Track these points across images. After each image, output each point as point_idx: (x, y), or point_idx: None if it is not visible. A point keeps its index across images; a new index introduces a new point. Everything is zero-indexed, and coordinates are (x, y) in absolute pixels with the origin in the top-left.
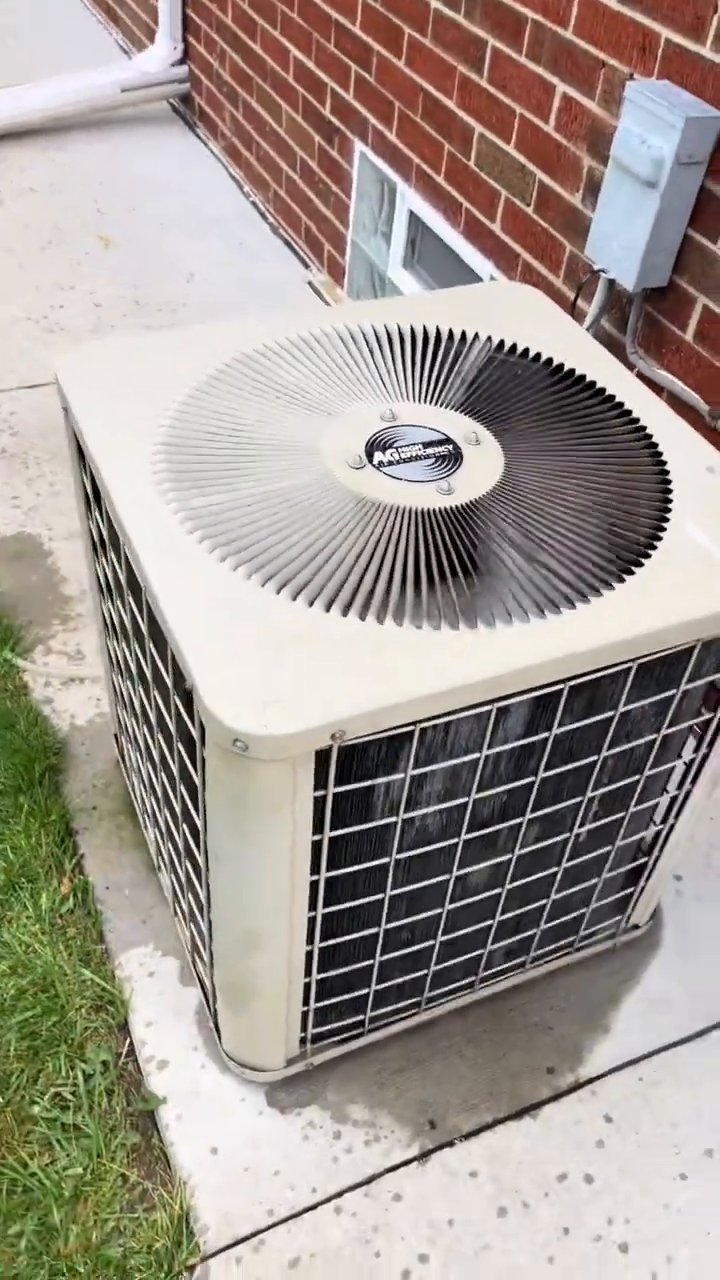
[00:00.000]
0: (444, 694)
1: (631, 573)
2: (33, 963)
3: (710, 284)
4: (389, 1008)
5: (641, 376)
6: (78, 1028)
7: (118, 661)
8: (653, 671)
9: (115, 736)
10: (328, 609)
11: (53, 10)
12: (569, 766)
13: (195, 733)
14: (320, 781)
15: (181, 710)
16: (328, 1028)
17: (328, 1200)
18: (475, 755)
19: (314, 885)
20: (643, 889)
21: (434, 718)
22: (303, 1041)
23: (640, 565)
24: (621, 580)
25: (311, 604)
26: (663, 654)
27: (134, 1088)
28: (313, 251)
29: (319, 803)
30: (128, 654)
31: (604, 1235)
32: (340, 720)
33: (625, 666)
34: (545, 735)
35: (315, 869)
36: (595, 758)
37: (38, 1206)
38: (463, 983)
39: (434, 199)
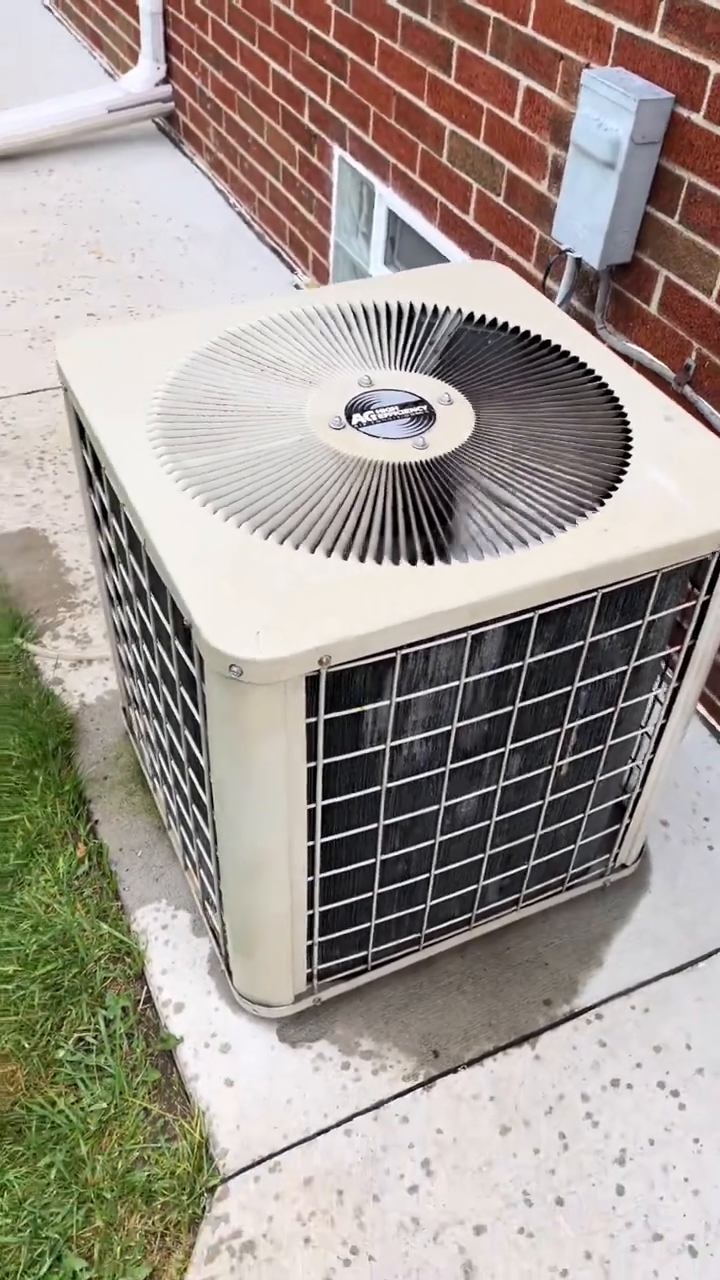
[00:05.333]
0: (421, 620)
1: (595, 510)
2: (53, 920)
3: (670, 257)
4: (390, 944)
5: (613, 351)
6: (97, 978)
7: (122, 629)
8: (617, 602)
9: (124, 709)
10: (312, 551)
11: (39, 37)
12: (545, 696)
13: (195, 670)
14: (311, 709)
15: (182, 652)
16: (333, 964)
17: (338, 1124)
18: (454, 683)
19: (311, 814)
20: (627, 826)
21: (413, 645)
22: (309, 978)
23: (603, 504)
24: (584, 517)
25: (298, 547)
26: (625, 584)
27: (152, 1030)
28: (298, 256)
29: (311, 730)
30: (131, 616)
31: (602, 1149)
32: (326, 645)
33: (590, 596)
34: (519, 664)
35: (311, 797)
36: (569, 688)
37: (65, 1141)
38: (459, 919)
39: (410, 196)
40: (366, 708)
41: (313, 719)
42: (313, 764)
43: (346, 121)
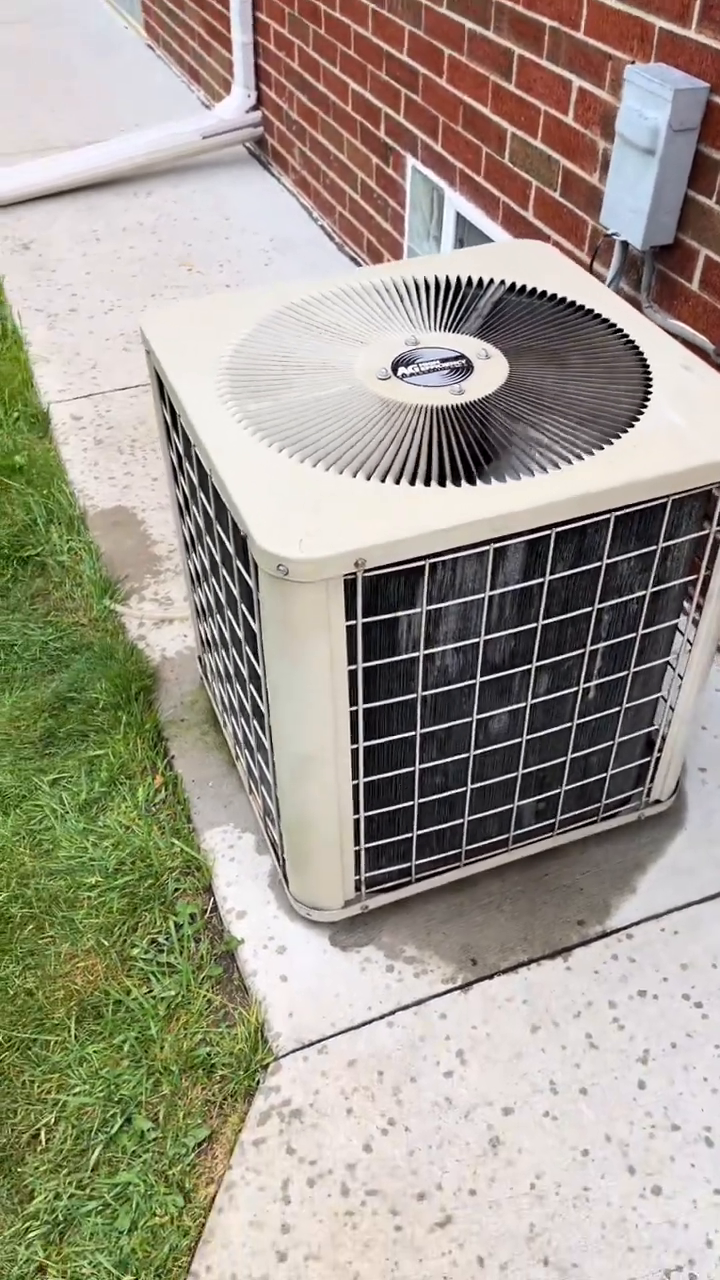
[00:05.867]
0: (446, 531)
1: (610, 444)
2: (131, 839)
3: (710, 236)
4: (432, 858)
5: (658, 327)
6: (169, 888)
7: (196, 573)
8: (632, 527)
9: (199, 658)
10: (354, 475)
11: (142, 74)
12: (567, 615)
13: (251, 581)
14: (350, 612)
15: (241, 569)
16: (379, 873)
17: (381, 1017)
18: (480, 595)
19: (354, 716)
20: (658, 760)
21: (440, 554)
22: (358, 885)
23: (618, 438)
24: (601, 449)
25: (341, 473)
26: (637, 508)
27: (216, 934)
28: (374, 262)
29: (351, 633)
30: (202, 554)
31: (626, 1049)
32: (362, 548)
33: (604, 518)
34: (540, 580)
35: (354, 700)
36: (590, 609)
37: (137, 1023)
38: (497, 839)
39: (475, 198)
40: (400, 614)
41: (352, 622)
42: (353, 667)
43: (418, 132)
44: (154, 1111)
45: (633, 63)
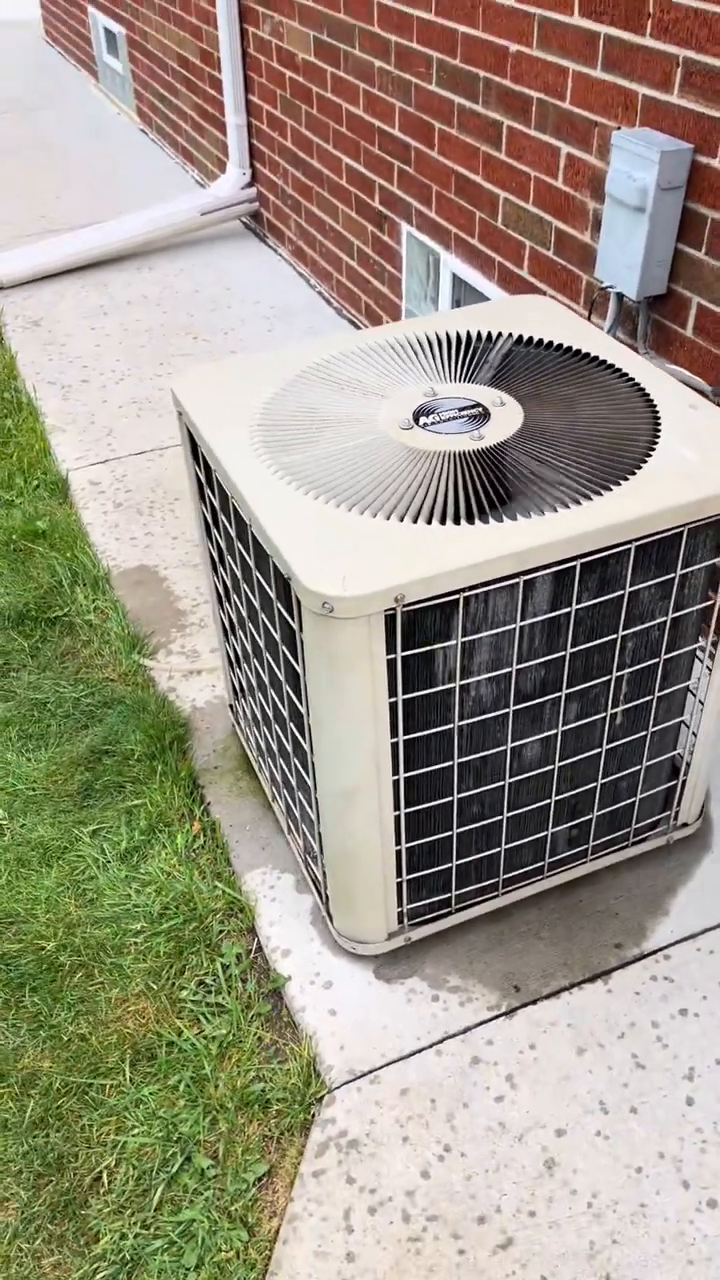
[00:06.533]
0: (479, 565)
1: (626, 480)
2: (173, 885)
3: (700, 285)
4: (471, 887)
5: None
6: (214, 930)
7: (230, 623)
8: (651, 555)
9: (230, 706)
10: (387, 518)
11: (136, 158)
12: (593, 644)
13: (294, 622)
14: (390, 646)
15: (282, 610)
16: (420, 904)
17: (430, 1046)
18: (511, 626)
19: (394, 748)
20: (684, 782)
21: (474, 587)
22: (400, 918)
23: (633, 474)
24: (618, 484)
25: (375, 515)
26: (655, 538)
27: (263, 973)
28: (373, 324)
29: (391, 667)
30: (239, 602)
31: (671, 1068)
32: (401, 585)
33: (625, 548)
34: (567, 610)
35: (394, 731)
36: (615, 636)
37: (190, 1063)
38: (533, 867)
39: (471, 259)
40: (436, 646)
41: (392, 656)
42: (394, 699)
43: (412, 201)
44: (213, 1149)
45: (618, 128)
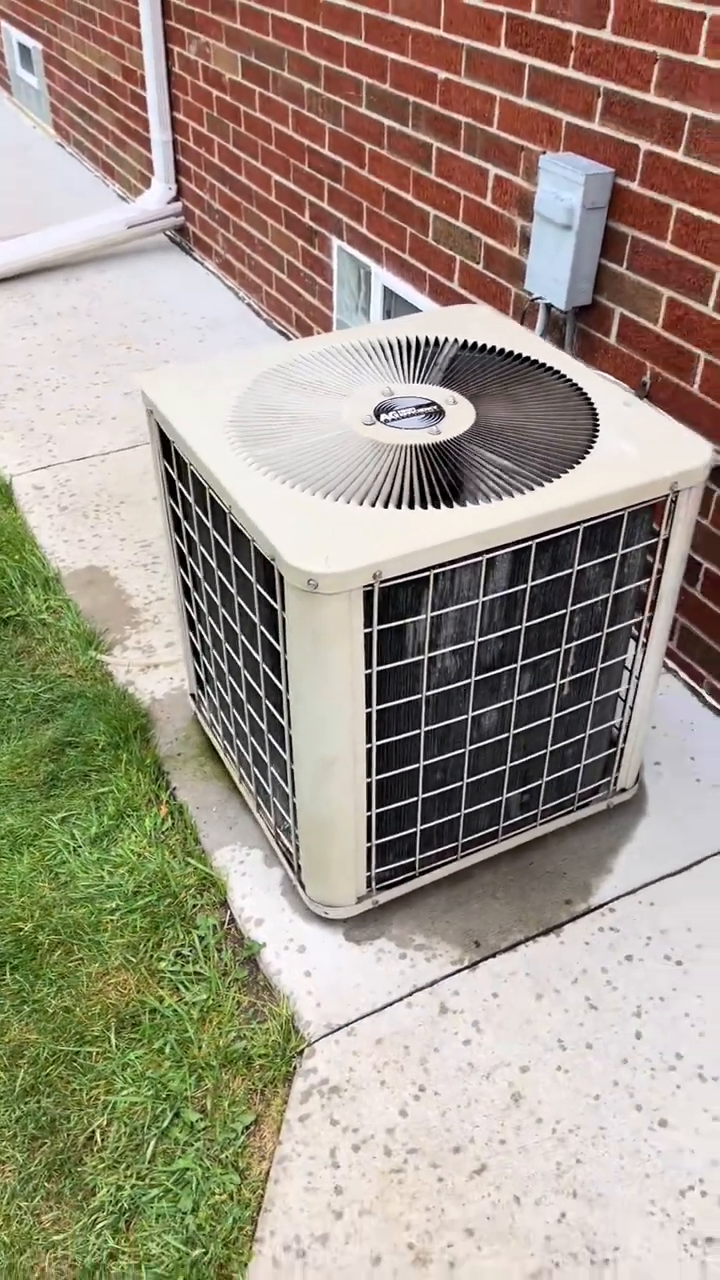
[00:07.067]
0: (447, 544)
1: (573, 468)
2: (145, 865)
3: (622, 297)
4: (432, 851)
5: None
6: (188, 905)
7: (196, 614)
8: (596, 536)
9: (192, 695)
10: (360, 504)
11: (55, 172)
12: (546, 618)
13: (277, 601)
14: (367, 619)
15: (262, 591)
16: (386, 868)
17: (401, 999)
18: (474, 601)
19: (369, 718)
20: (623, 750)
21: (442, 565)
22: (368, 882)
23: (577, 464)
24: (566, 473)
25: (349, 502)
26: (600, 520)
27: (238, 942)
28: (303, 335)
29: (367, 640)
30: (211, 590)
31: (621, 1006)
32: (379, 562)
33: (574, 529)
34: (523, 586)
35: (369, 702)
36: (564, 611)
37: (174, 1028)
38: (488, 831)
39: (402, 273)
40: (408, 620)
41: (369, 629)
42: (369, 671)
43: (343, 217)
44: (200, 1104)
45: (544, 152)
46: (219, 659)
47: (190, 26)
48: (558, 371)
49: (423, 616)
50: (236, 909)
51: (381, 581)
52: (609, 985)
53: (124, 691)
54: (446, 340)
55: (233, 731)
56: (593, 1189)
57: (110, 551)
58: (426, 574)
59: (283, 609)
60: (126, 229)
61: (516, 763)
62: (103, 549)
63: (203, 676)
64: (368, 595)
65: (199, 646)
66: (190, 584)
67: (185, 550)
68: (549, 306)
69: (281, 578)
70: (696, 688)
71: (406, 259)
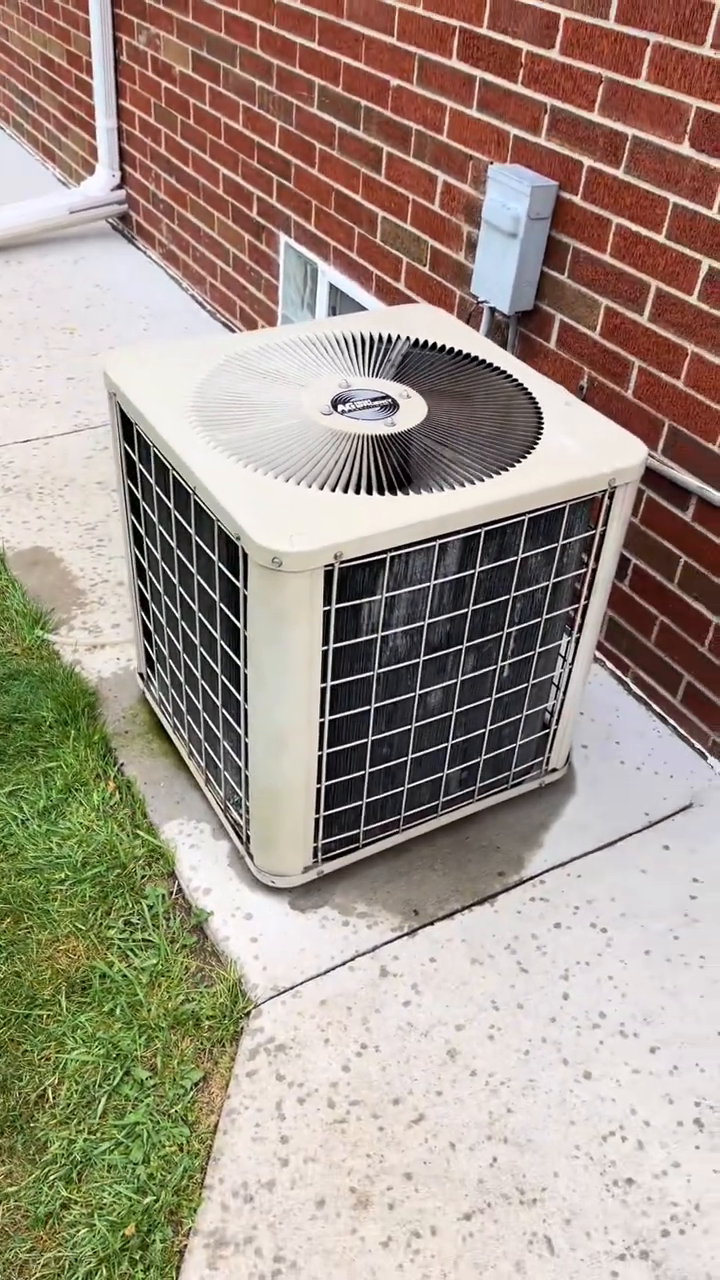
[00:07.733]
0: (403, 529)
1: (519, 462)
2: (93, 837)
3: (563, 304)
4: (376, 824)
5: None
6: (137, 875)
7: (150, 594)
8: (540, 527)
9: (140, 674)
10: (321, 488)
11: None
12: (490, 602)
13: (240, 580)
14: (327, 598)
15: (224, 569)
16: (332, 839)
17: (344, 964)
18: (426, 584)
19: (323, 693)
20: (555, 731)
21: (397, 548)
22: (315, 853)
23: (524, 458)
24: (513, 466)
25: (310, 486)
26: (543, 511)
27: (186, 911)
28: (248, 328)
29: (325, 618)
30: (168, 569)
31: (550, 970)
32: (340, 543)
33: (519, 519)
34: (471, 572)
35: (324, 677)
36: (507, 597)
37: (123, 992)
38: (429, 806)
39: (349, 271)
40: (363, 600)
41: (327, 608)
42: (325, 647)
43: (291, 214)
44: (150, 1063)
45: (491, 163)
46: (173, 638)
47: (140, 17)
48: (504, 371)
49: (378, 597)
50: (184, 879)
51: (342, 562)
52: (539, 950)
53: (71, 670)
54: (399, 338)
55: (184, 708)
56: (522, 1135)
57: (55, 533)
58: (384, 556)
59: (245, 587)
60: (69, 214)
61: (457, 740)
62: (47, 530)
63: (153, 655)
64: (328, 575)
65: (151, 626)
66: (146, 564)
67: (144, 531)
68: (493, 310)
69: (245, 556)
70: (622, 677)
71: (354, 258)
